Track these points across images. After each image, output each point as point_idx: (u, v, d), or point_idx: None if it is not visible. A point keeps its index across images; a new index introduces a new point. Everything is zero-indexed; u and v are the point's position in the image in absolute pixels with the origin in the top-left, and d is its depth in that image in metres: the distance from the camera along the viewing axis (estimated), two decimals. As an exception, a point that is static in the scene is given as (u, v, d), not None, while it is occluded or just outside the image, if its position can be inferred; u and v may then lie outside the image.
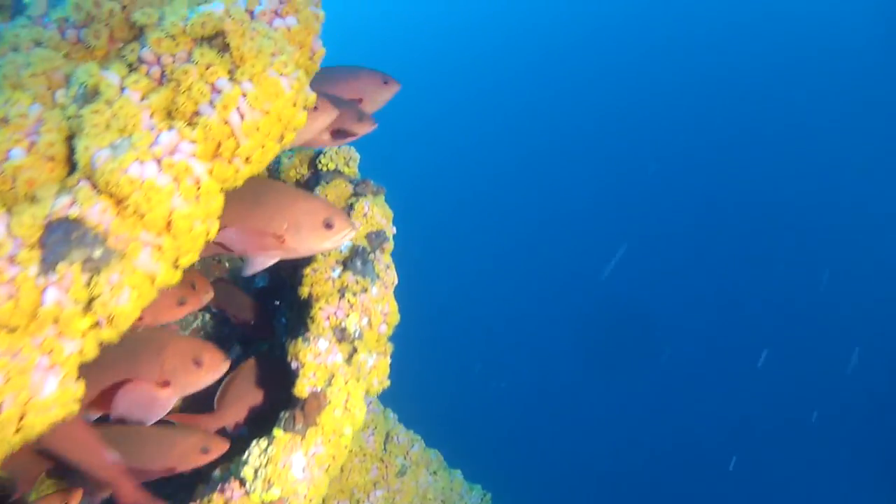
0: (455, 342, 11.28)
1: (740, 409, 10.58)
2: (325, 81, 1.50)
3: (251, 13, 1.18)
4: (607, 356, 10.81)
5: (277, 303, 1.93)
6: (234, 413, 1.70)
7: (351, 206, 1.71)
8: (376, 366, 1.59)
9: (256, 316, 1.89)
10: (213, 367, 1.43)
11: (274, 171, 1.97)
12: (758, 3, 16.93)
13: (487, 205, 15.56)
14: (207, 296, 1.64)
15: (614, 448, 9.56)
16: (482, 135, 17.42)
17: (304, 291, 1.59)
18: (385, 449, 2.15)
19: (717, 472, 9.48)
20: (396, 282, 1.65)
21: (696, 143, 15.51)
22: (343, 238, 1.32)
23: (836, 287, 12.57)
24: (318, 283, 1.59)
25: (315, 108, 1.39)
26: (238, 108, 1.06)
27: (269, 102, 1.09)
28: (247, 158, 1.11)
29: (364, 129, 1.55)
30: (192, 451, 1.51)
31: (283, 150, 1.21)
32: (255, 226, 1.29)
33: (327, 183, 1.78)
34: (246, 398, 1.70)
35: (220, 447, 1.54)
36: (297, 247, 1.31)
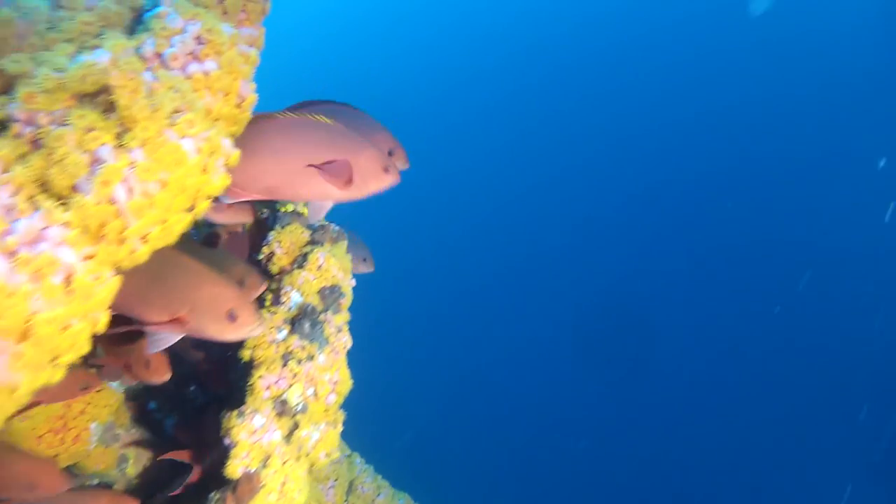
0: (433, 363, 10.84)
1: (738, 411, 10.32)
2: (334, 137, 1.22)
3: (160, 56, 0.95)
4: (600, 383, 10.43)
5: (230, 353, 1.72)
6: None
7: (305, 256, 1.49)
8: (323, 438, 1.38)
9: (206, 370, 1.68)
10: (52, 490, 1.27)
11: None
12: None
13: (478, 206, 15.16)
14: (159, 378, 1.42)
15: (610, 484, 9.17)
16: (472, 134, 16.93)
17: (246, 354, 1.38)
18: (347, 501, 1.94)
19: (716, 475, 9.26)
20: (350, 345, 1.43)
21: (695, 144, 15.07)
22: (247, 333, 1.13)
23: (836, 287, 12.22)
24: (261, 346, 1.37)
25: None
26: (125, 182, 0.84)
27: (167, 172, 0.87)
28: (143, 237, 0.89)
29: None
30: None
31: (197, 218, 0.99)
32: (153, 304, 1.09)
33: (282, 227, 1.56)
34: None
35: None
36: (200, 332, 1.12)
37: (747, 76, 15.56)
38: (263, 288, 1.41)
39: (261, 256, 1.55)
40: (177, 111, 0.89)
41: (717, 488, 9.14)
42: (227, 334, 1.12)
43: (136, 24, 1.02)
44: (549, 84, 17.05)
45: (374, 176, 1.19)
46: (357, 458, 2.09)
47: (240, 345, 1.40)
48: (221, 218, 1.35)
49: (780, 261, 12.81)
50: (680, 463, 9.28)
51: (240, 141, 1.06)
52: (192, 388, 1.94)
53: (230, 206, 1.34)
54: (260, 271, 1.60)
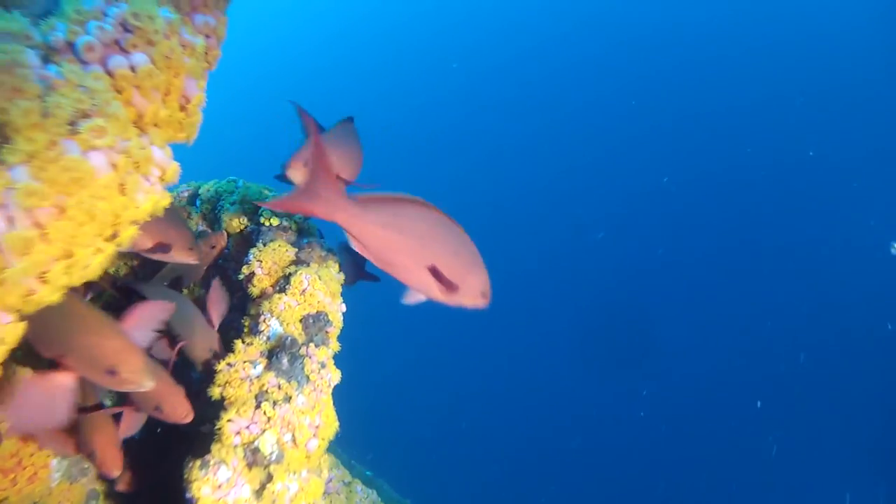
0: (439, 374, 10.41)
1: (740, 410, 9.88)
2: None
3: (72, 46, 0.73)
4: (602, 384, 9.99)
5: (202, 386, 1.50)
6: None
7: (287, 278, 1.26)
8: (304, 488, 1.16)
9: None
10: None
11: (216, 219, 1.53)
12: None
13: (477, 208, 14.72)
14: (107, 472, 1.21)
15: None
16: (471, 135, 16.48)
17: (216, 392, 1.16)
18: (345, 537, 1.73)
19: (718, 474, 8.87)
20: (336, 381, 1.20)
21: (698, 144, 14.47)
22: (134, 390, 0.98)
23: (840, 289, 11.66)
24: (233, 383, 1.15)
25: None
26: (3, 209, 0.62)
27: (65, 194, 0.65)
28: (41, 277, 0.68)
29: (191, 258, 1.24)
30: None
31: (121, 248, 0.77)
32: (41, 342, 0.96)
33: (265, 245, 1.33)
34: None
35: None
36: (89, 378, 0.98)
37: (747, 76, 14.96)
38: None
39: (241, 277, 1.34)
40: (83, 116, 0.67)
41: (718, 487, 8.78)
42: (113, 387, 0.97)
43: (54, 6, 0.80)
44: (549, 85, 16.58)
45: (472, 296, 1.24)
46: (358, 486, 1.87)
47: (210, 378, 1.18)
48: (159, 257, 1.16)
49: (779, 260, 12.27)
50: (684, 463, 8.94)
51: (390, 211, 1.12)
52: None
53: (172, 246, 1.15)
54: (240, 296, 1.39)
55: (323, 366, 1.17)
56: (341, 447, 3.27)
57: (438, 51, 19.10)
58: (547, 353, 10.80)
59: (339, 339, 1.44)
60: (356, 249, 1.15)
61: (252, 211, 1.46)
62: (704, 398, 9.87)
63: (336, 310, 1.27)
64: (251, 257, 1.31)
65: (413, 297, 1.25)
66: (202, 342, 1.25)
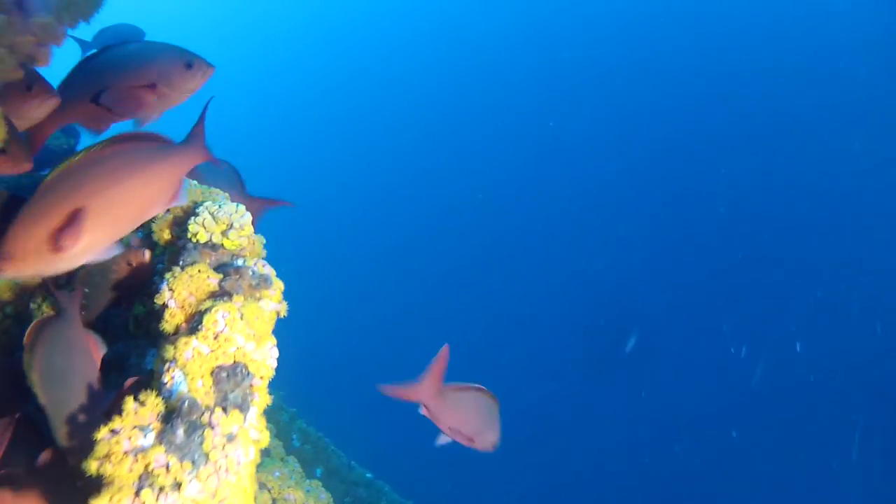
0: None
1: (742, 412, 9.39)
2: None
3: None
4: (601, 390, 9.56)
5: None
6: None
7: (201, 316, 0.94)
8: None
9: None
10: None
11: (145, 224, 1.23)
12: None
13: (475, 209, 14.14)
14: None
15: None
16: (470, 135, 15.80)
17: (92, 466, 0.86)
18: None
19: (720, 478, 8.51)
20: (249, 458, 0.89)
21: (692, 142, 13.61)
22: None
23: (840, 290, 10.91)
24: (113, 457, 0.85)
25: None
26: None
27: None
28: None
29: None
30: None
31: None
32: None
33: (182, 269, 1.02)
34: None
35: None
36: None
37: (745, 77, 13.98)
38: None
39: (156, 307, 1.03)
40: None
41: (717, 487, 8.40)
42: None
43: None
44: (548, 81, 15.78)
45: (485, 447, 1.56)
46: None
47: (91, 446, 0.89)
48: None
49: (782, 263, 11.52)
50: (682, 463, 8.57)
51: (457, 397, 1.52)
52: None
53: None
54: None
55: (230, 439, 0.86)
56: (342, 448, 3.03)
57: (424, 51, 18.46)
58: (549, 355, 10.52)
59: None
60: (423, 414, 1.49)
61: (182, 219, 1.15)
62: (703, 399, 9.48)
63: (262, 357, 0.95)
64: (164, 285, 1.00)
65: (443, 441, 1.59)
66: (76, 398, 0.95)
